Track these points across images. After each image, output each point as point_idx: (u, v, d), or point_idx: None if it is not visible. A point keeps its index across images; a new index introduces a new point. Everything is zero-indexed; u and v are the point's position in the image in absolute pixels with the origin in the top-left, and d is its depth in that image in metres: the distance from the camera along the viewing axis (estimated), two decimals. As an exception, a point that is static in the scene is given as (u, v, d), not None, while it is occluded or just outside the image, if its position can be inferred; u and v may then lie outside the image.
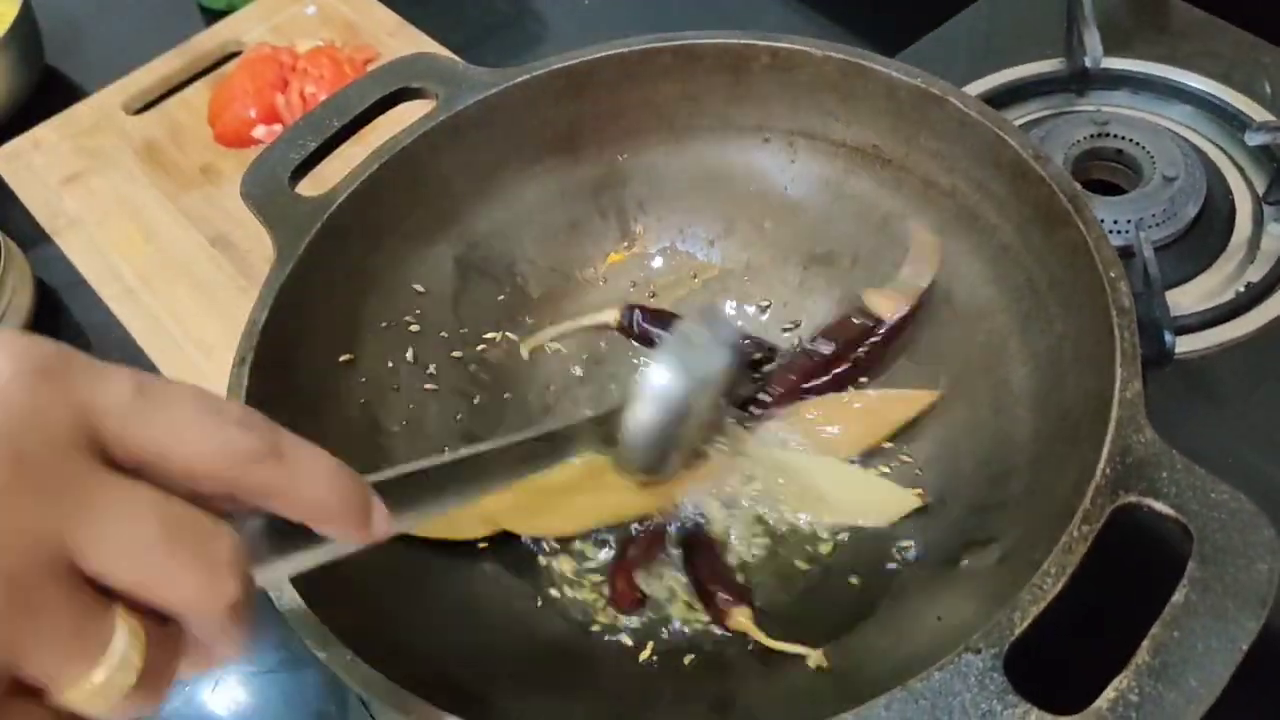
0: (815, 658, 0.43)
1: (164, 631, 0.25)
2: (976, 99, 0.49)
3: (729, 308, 0.57)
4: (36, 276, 0.68)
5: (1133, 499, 0.36)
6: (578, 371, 0.56)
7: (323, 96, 0.71)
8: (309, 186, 0.52)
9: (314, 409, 0.48)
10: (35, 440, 0.23)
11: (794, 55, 0.53)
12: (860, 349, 0.51)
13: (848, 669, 0.43)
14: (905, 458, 0.50)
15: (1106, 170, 0.62)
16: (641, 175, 0.58)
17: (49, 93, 0.82)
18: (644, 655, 0.46)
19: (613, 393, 0.55)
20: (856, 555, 0.48)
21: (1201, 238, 0.59)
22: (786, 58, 0.53)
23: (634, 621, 0.47)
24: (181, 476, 0.25)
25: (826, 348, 0.51)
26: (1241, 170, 0.62)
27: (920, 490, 0.48)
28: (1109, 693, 0.32)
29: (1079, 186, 0.46)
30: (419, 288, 0.54)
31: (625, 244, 0.58)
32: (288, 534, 0.28)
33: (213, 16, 0.86)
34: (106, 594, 0.24)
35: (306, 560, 0.29)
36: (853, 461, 0.50)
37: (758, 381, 0.52)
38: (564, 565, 0.49)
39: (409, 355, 0.53)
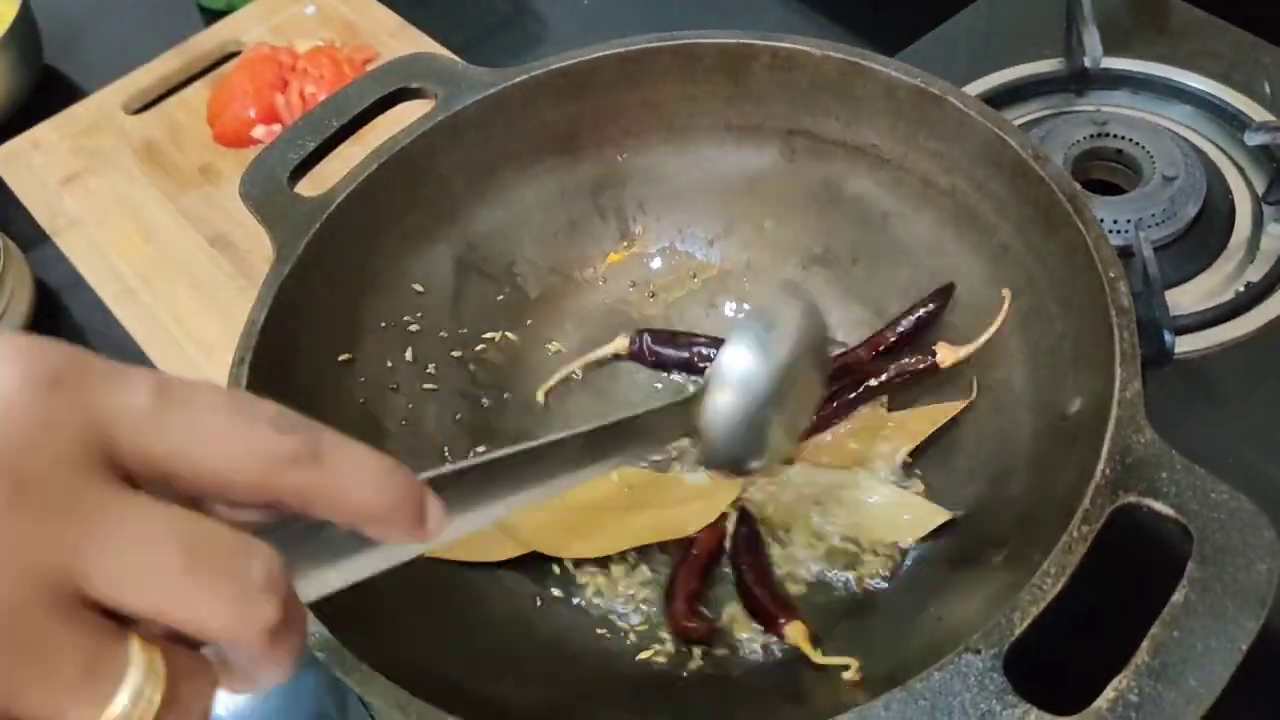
0: (854, 670, 0.42)
1: (192, 660, 0.22)
2: (976, 99, 0.49)
3: (728, 308, 0.57)
4: (36, 277, 0.68)
5: (1132, 499, 0.36)
6: (578, 372, 0.56)
7: (322, 96, 0.71)
8: (308, 186, 0.52)
9: (313, 409, 0.47)
10: (39, 458, 0.21)
11: (794, 55, 0.53)
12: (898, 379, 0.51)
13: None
14: (905, 459, 0.50)
15: (1106, 170, 0.62)
16: (641, 175, 0.58)
17: (48, 93, 0.82)
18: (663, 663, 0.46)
19: (613, 393, 0.55)
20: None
21: (1201, 237, 0.59)
22: (786, 58, 0.53)
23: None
24: (213, 487, 0.23)
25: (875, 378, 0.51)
26: (1241, 170, 0.62)
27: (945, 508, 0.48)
28: (1108, 693, 0.32)
29: (1078, 186, 0.46)
30: (418, 287, 0.54)
31: (625, 244, 0.58)
32: (338, 541, 0.26)
33: (212, 16, 0.86)
34: (125, 622, 0.22)
35: (362, 569, 0.26)
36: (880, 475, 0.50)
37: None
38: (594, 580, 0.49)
39: (408, 355, 0.53)
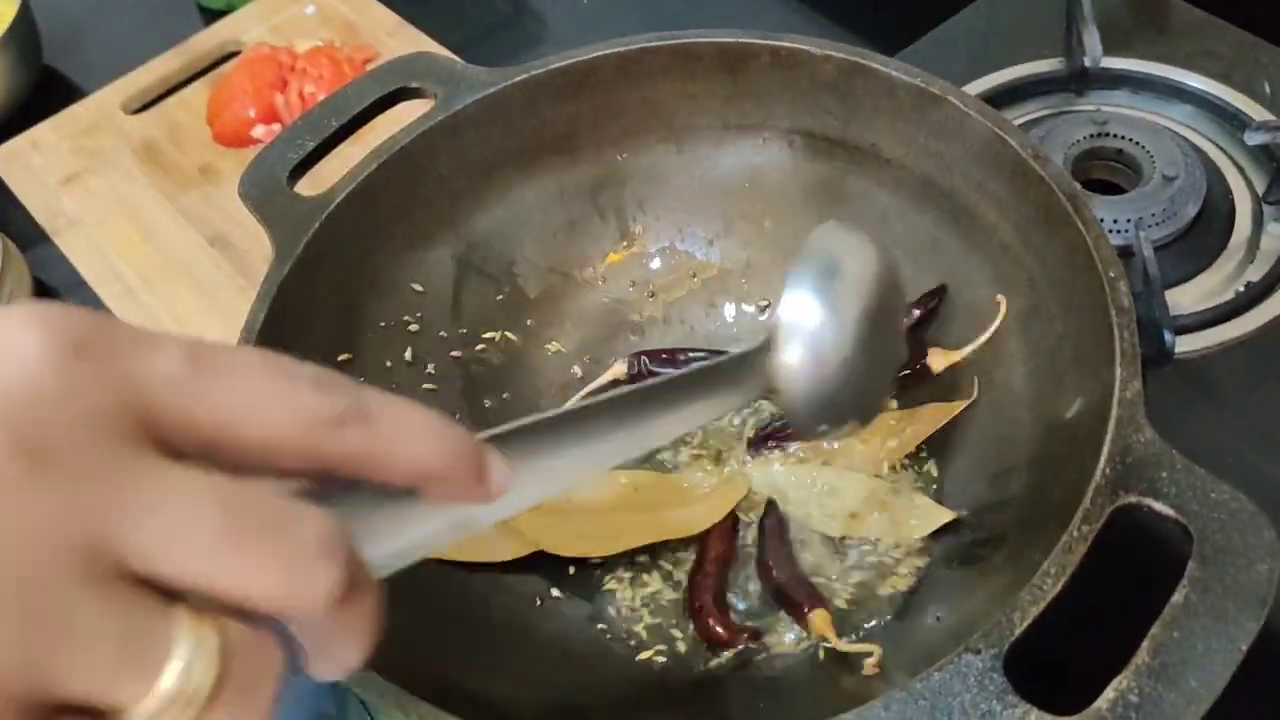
0: (875, 659, 0.43)
1: (252, 636, 0.21)
2: (976, 99, 0.49)
3: (728, 308, 0.57)
4: (35, 277, 0.68)
5: (1132, 499, 0.36)
6: (577, 372, 0.56)
7: (321, 96, 0.71)
8: (307, 186, 0.52)
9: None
10: (65, 425, 0.19)
11: (793, 55, 0.52)
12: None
13: (847, 670, 0.43)
14: (904, 460, 0.50)
15: (1106, 170, 0.62)
16: (640, 175, 0.57)
17: (48, 93, 0.81)
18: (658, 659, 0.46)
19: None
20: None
21: (1201, 237, 0.59)
22: (786, 57, 0.53)
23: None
24: (258, 455, 0.22)
25: None
26: (1241, 170, 0.62)
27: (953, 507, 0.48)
28: (1109, 693, 0.32)
29: (1078, 186, 0.46)
30: (418, 287, 0.54)
31: (624, 244, 0.58)
32: (399, 509, 0.24)
33: (211, 16, 0.86)
34: (173, 598, 0.20)
35: (426, 537, 0.25)
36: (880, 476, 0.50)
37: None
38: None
39: (408, 355, 0.53)
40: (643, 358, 0.54)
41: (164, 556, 0.20)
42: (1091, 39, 0.65)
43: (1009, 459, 0.46)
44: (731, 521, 0.49)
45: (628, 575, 0.49)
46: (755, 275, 0.57)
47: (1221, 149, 0.63)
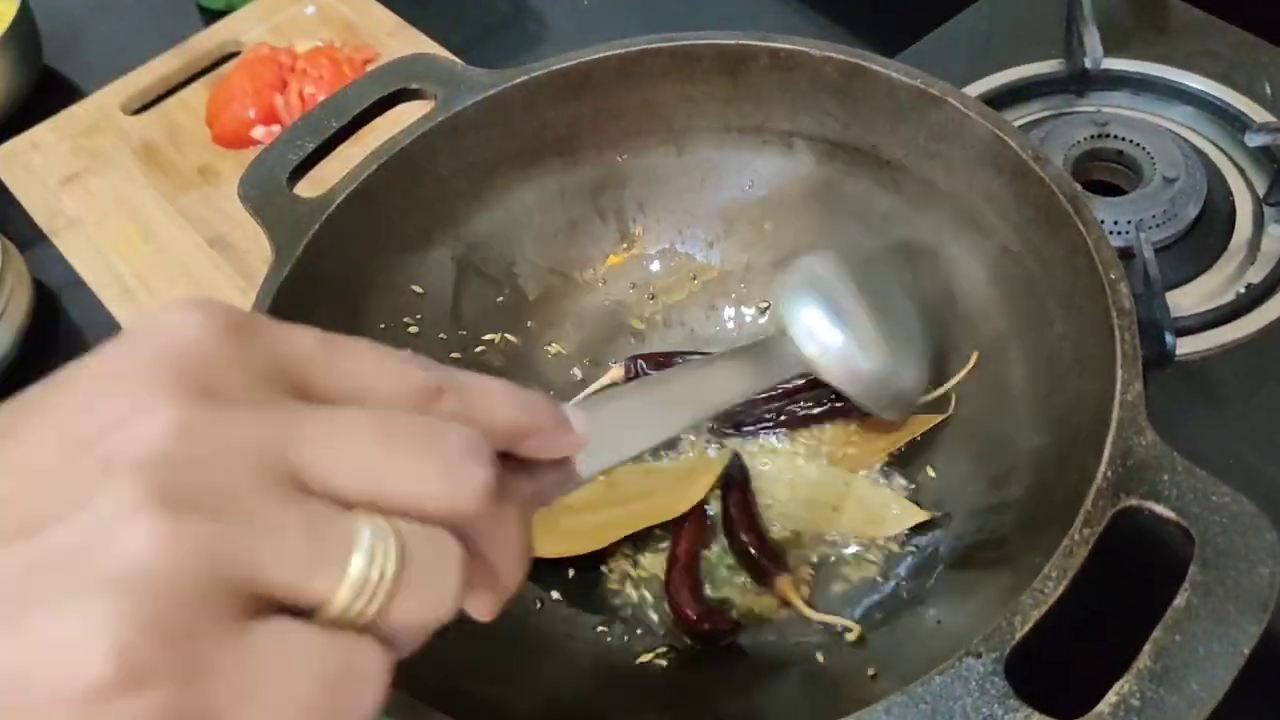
0: (855, 632, 0.44)
1: (427, 529, 0.23)
2: (976, 100, 0.49)
3: (728, 310, 0.57)
4: (35, 277, 0.68)
5: (1134, 502, 0.36)
6: (577, 374, 0.56)
7: (321, 97, 0.71)
8: (307, 187, 0.52)
9: (312, 411, 0.48)
10: (240, 380, 0.23)
11: (793, 55, 0.52)
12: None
13: (848, 673, 0.43)
14: (885, 462, 0.50)
15: (1106, 171, 0.62)
16: (641, 176, 0.57)
17: (47, 93, 0.81)
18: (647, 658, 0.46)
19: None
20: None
21: (1202, 239, 0.59)
22: (786, 58, 0.53)
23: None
24: None
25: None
26: (1242, 171, 0.62)
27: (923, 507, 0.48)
28: (1110, 697, 0.32)
29: (1079, 187, 0.46)
30: (417, 289, 0.54)
31: (624, 245, 0.58)
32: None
33: (211, 16, 0.85)
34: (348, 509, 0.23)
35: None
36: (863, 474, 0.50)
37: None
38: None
39: (408, 356, 0.53)
40: (640, 361, 0.54)
41: (335, 468, 0.23)
42: (1092, 40, 0.65)
43: (1009, 461, 0.46)
44: (700, 511, 0.49)
45: (628, 577, 0.49)
46: (755, 278, 0.57)
47: (1222, 150, 0.63)
